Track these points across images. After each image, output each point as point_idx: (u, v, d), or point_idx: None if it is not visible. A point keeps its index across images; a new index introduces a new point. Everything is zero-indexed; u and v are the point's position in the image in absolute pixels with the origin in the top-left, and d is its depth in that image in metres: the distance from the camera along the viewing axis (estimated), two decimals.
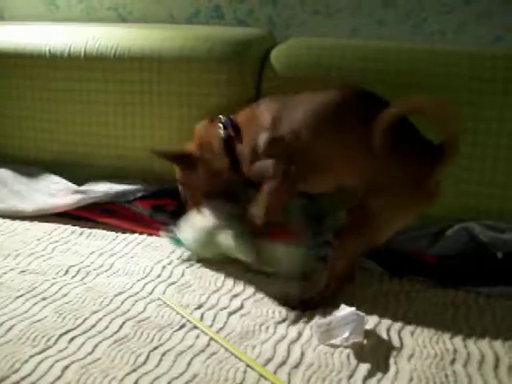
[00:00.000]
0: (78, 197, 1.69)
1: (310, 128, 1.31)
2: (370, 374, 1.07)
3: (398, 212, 1.26)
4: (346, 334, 1.13)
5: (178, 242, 1.50)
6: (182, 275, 1.40)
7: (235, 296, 1.32)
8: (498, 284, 1.36)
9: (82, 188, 1.73)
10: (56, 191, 1.75)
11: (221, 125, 1.45)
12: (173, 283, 1.36)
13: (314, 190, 1.39)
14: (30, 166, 1.87)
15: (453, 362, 1.11)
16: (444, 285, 1.37)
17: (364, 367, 1.08)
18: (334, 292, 1.29)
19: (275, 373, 1.06)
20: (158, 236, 1.58)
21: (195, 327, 1.19)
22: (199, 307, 1.27)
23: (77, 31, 1.85)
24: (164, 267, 1.43)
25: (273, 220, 1.37)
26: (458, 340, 1.17)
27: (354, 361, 1.10)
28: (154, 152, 1.52)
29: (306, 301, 1.27)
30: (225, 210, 1.44)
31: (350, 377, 1.06)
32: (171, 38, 1.74)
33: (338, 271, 1.28)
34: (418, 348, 1.14)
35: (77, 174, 1.80)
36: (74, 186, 1.75)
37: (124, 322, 1.20)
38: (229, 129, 1.43)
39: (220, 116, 1.47)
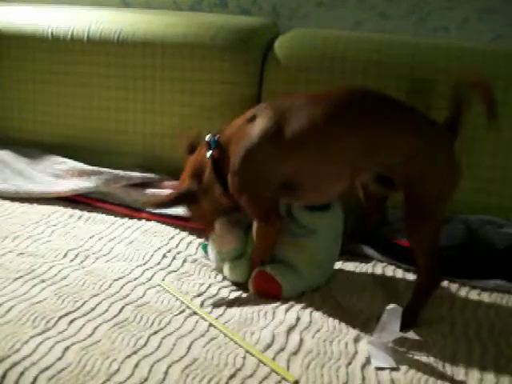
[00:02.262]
0: (82, 184, 1.69)
1: (329, 125, 1.23)
2: (369, 362, 1.07)
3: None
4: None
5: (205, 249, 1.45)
6: (182, 265, 1.40)
7: (235, 290, 1.32)
8: (494, 278, 1.37)
9: (88, 168, 1.72)
10: (61, 171, 1.74)
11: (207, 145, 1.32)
12: (173, 271, 1.36)
13: (324, 198, 1.32)
14: (31, 148, 1.86)
15: (454, 354, 1.12)
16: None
17: (362, 355, 1.09)
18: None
19: (274, 359, 1.07)
20: (157, 221, 1.59)
21: (195, 313, 1.20)
22: (199, 295, 1.27)
23: (80, 14, 1.84)
24: (164, 255, 1.43)
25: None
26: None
27: (352, 349, 1.11)
28: (150, 205, 1.43)
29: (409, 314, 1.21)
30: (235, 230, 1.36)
31: (349, 364, 1.07)
32: (175, 24, 1.74)
33: (427, 269, 1.24)
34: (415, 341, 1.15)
35: (76, 157, 1.79)
36: (79, 165, 1.74)
37: (123, 306, 1.20)
38: (213, 149, 1.30)
39: (208, 135, 1.33)
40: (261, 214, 1.28)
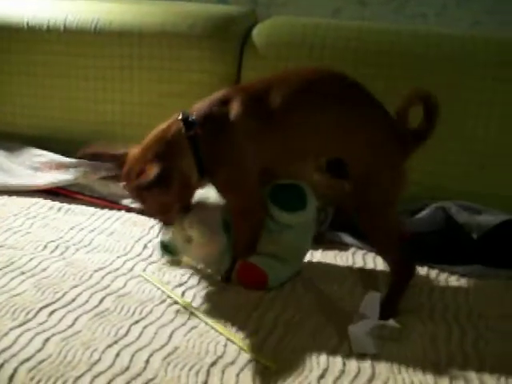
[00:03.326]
0: (61, 176, 1.67)
1: (303, 104, 1.23)
2: (349, 349, 1.08)
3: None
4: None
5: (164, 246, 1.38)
6: (163, 256, 1.38)
7: (217, 280, 1.30)
8: (471, 263, 1.39)
9: (66, 160, 1.71)
10: (39, 164, 1.73)
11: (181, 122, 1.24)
12: (154, 262, 1.35)
13: (296, 176, 1.33)
14: (9, 141, 1.84)
15: (434, 339, 1.13)
16: (418, 261, 1.38)
17: (343, 341, 1.10)
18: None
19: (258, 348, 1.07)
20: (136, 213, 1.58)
21: (176, 303, 1.20)
22: (180, 285, 1.26)
23: (56, 4, 1.83)
24: (145, 246, 1.42)
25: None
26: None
27: (332, 335, 1.12)
28: (125, 188, 1.27)
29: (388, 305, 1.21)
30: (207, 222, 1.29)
31: (329, 351, 1.07)
32: (152, 14, 1.72)
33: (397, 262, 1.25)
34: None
35: (56, 149, 1.77)
36: (57, 157, 1.73)
37: (104, 297, 1.20)
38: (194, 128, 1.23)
39: (181, 114, 1.25)
40: (245, 206, 1.27)
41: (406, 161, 1.26)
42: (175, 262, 1.35)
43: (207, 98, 1.27)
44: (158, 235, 1.39)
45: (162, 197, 1.21)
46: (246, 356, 1.04)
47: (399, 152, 1.26)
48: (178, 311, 1.17)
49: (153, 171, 1.16)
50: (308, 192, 1.32)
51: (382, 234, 1.26)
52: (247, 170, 1.25)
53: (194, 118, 1.24)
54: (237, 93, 1.25)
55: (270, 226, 1.30)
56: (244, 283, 1.27)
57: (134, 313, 1.15)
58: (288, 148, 1.26)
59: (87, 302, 1.18)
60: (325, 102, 1.24)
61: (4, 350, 1.01)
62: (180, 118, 1.24)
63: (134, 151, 1.25)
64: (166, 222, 1.31)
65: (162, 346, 1.05)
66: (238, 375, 1.00)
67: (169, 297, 1.21)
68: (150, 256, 1.38)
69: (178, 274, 1.31)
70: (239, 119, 1.22)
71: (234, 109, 1.23)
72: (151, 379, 0.97)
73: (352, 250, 1.46)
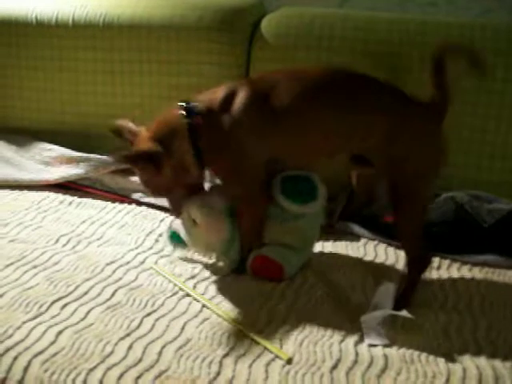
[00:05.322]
0: (72, 171, 1.68)
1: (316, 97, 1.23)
2: (362, 339, 1.08)
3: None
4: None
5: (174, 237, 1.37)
6: (175, 249, 1.38)
7: (229, 273, 1.30)
8: (483, 253, 1.38)
9: (77, 154, 1.72)
10: (50, 159, 1.73)
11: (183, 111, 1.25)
12: (165, 255, 1.35)
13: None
14: (19, 135, 1.84)
15: (446, 329, 1.12)
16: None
17: (355, 332, 1.10)
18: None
19: (267, 338, 1.07)
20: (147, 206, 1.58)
21: (188, 295, 1.20)
22: (192, 278, 1.27)
23: None
24: (157, 240, 1.42)
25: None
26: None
27: (345, 325, 1.12)
28: (114, 157, 1.26)
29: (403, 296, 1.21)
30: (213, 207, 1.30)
31: (342, 341, 1.07)
32: (160, 6, 1.72)
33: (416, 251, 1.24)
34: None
35: (65, 143, 1.77)
36: (67, 152, 1.74)
37: (116, 290, 1.20)
38: (194, 116, 1.24)
39: (183, 102, 1.26)
40: (248, 195, 1.27)
41: (436, 134, 1.24)
42: (185, 255, 1.35)
43: (214, 89, 1.27)
44: (169, 226, 1.39)
45: (157, 178, 1.24)
46: (258, 347, 1.05)
47: (423, 132, 1.23)
48: (190, 303, 1.17)
49: (140, 148, 1.23)
50: (318, 182, 1.31)
51: (412, 216, 1.23)
52: (248, 161, 1.25)
53: (196, 106, 1.24)
54: (242, 86, 1.25)
55: (284, 216, 1.30)
56: (260, 276, 1.27)
57: (146, 305, 1.15)
58: (295, 144, 1.25)
59: (99, 295, 1.18)
60: (331, 100, 1.23)
61: (17, 343, 1.02)
62: (182, 104, 1.25)
63: (143, 131, 1.28)
64: (175, 211, 1.33)
65: (175, 338, 1.06)
66: (250, 366, 1.00)
67: (180, 289, 1.22)
68: (162, 250, 1.38)
69: (190, 267, 1.31)
70: (241, 112, 1.22)
71: (238, 101, 1.23)
72: (164, 371, 0.98)
73: (363, 240, 1.46)
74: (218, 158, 1.25)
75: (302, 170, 1.32)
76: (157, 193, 1.32)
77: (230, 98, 1.24)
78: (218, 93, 1.26)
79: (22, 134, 1.84)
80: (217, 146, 1.23)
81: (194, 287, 1.23)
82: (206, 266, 1.32)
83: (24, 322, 1.08)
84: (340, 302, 1.20)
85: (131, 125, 1.31)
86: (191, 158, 1.24)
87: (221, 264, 1.32)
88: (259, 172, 1.26)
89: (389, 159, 1.22)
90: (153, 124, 1.27)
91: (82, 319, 1.10)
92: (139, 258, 1.34)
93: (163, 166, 1.23)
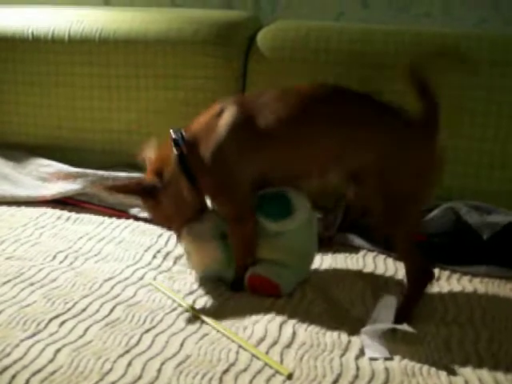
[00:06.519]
0: (69, 186, 1.67)
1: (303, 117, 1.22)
2: (362, 353, 1.07)
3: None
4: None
5: None
6: (174, 264, 1.38)
7: (228, 288, 1.30)
8: (483, 264, 1.38)
9: (74, 170, 1.71)
10: (47, 175, 1.73)
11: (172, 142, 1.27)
12: (163, 271, 1.35)
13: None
14: (16, 150, 1.84)
15: (448, 342, 1.12)
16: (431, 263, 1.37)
17: (356, 346, 1.09)
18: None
19: (267, 353, 1.06)
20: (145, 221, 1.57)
21: (187, 311, 1.19)
22: (191, 293, 1.26)
23: (60, 14, 1.83)
24: (154, 256, 1.41)
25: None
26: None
27: (345, 339, 1.11)
28: (108, 189, 1.32)
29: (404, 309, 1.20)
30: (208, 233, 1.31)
31: (342, 355, 1.06)
32: (156, 21, 1.72)
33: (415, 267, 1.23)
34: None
35: (61, 158, 1.78)
36: (65, 167, 1.73)
37: (115, 306, 1.19)
38: (181, 145, 1.26)
39: (171, 131, 1.29)
40: (236, 213, 1.27)
41: (429, 149, 1.22)
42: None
43: (204, 112, 1.29)
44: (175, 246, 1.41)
45: (158, 209, 1.30)
46: (258, 362, 1.04)
47: (415, 146, 1.22)
48: (189, 319, 1.16)
49: (134, 182, 1.33)
50: (294, 198, 1.29)
51: (404, 234, 1.23)
52: (232, 180, 1.25)
53: (183, 135, 1.27)
54: (230, 105, 1.26)
55: (266, 234, 1.29)
56: (258, 293, 1.26)
57: (144, 321, 1.15)
58: (283, 163, 1.25)
59: (98, 311, 1.17)
60: (320, 117, 1.22)
61: (16, 362, 1.01)
62: (172, 135, 1.28)
63: (150, 161, 1.33)
64: (178, 238, 1.36)
65: (174, 355, 1.05)
66: (250, 382, 0.99)
67: (179, 305, 1.21)
68: (160, 266, 1.37)
69: (188, 283, 1.31)
70: (226, 132, 1.23)
71: (224, 122, 1.24)
72: None
73: (362, 252, 1.45)
74: (205, 178, 1.26)
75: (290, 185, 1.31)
76: (159, 223, 1.39)
77: (216, 118, 1.25)
78: (206, 115, 1.28)
79: (19, 150, 1.84)
80: (202, 167, 1.25)
81: (193, 303, 1.22)
82: (205, 282, 1.31)
83: (22, 340, 1.07)
84: (340, 315, 1.20)
85: (149, 153, 1.35)
86: (186, 183, 1.26)
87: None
88: (245, 191, 1.26)
89: (381, 176, 1.21)
90: (154, 155, 1.33)
91: (81, 336, 1.09)
92: (137, 273, 1.33)
93: (161, 197, 1.27)
